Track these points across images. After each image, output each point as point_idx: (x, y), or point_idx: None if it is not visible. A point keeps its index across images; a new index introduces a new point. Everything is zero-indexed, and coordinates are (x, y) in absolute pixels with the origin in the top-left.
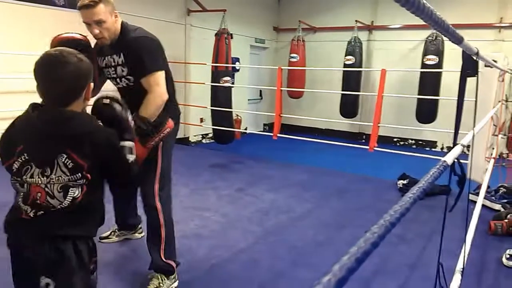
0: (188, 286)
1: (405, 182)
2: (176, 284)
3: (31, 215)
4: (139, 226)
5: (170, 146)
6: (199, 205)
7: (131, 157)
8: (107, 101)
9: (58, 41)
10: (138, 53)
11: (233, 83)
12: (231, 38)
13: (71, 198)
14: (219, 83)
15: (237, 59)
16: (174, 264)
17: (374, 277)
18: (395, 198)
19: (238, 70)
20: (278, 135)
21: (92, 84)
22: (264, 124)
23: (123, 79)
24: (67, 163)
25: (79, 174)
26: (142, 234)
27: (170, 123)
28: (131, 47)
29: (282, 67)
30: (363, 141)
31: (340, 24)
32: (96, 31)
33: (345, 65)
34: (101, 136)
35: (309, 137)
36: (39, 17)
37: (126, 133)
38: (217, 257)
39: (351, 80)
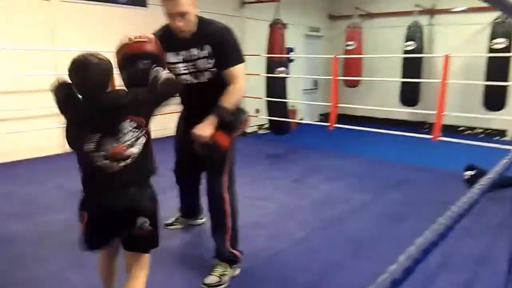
0: (247, 275)
1: (472, 173)
2: (238, 271)
3: (117, 168)
4: (201, 213)
5: (236, 139)
6: (256, 195)
7: (164, 74)
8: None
9: (128, 55)
10: (225, 45)
11: (287, 74)
12: (285, 28)
13: (141, 145)
14: (274, 73)
15: (292, 49)
16: (238, 254)
17: (439, 271)
18: (461, 190)
19: (292, 60)
20: (334, 125)
21: (114, 77)
22: (320, 114)
23: (205, 72)
24: (132, 124)
25: (141, 128)
26: (203, 220)
27: (247, 116)
28: (217, 38)
29: (338, 56)
30: (426, 130)
31: (399, 8)
32: (180, 23)
33: (405, 51)
34: (141, 94)
35: (367, 127)
36: (103, 15)
37: (152, 75)
38: (275, 246)
39: (412, 66)
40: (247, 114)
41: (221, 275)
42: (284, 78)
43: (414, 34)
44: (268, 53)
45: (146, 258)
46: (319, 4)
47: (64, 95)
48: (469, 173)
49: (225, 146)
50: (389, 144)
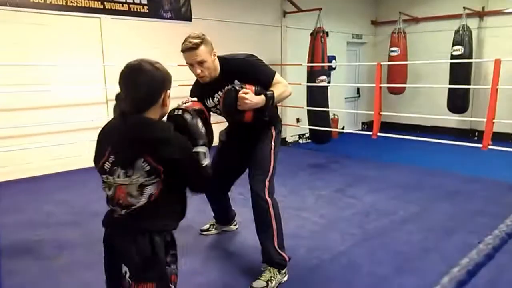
0: (288, 286)
1: None
2: (286, 278)
3: (122, 213)
4: (234, 218)
5: (279, 148)
6: (297, 205)
7: (205, 161)
8: (179, 112)
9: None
10: (253, 73)
11: (329, 82)
12: (327, 36)
13: (147, 195)
14: (315, 82)
15: (334, 57)
16: (286, 257)
17: None
18: None
19: (334, 69)
20: (378, 134)
21: (169, 92)
22: (363, 123)
23: None
24: (144, 166)
25: (154, 176)
26: (236, 226)
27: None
28: (244, 71)
29: (382, 63)
30: (475, 138)
31: (446, 12)
32: (199, 70)
33: (452, 56)
34: (176, 142)
35: (412, 135)
36: (149, 30)
37: (199, 139)
38: (316, 258)
39: (460, 72)
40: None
41: (268, 280)
42: (325, 87)
43: (462, 38)
44: (309, 62)
45: None
46: (362, 10)
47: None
48: None
49: (248, 118)
50: (436, 153)
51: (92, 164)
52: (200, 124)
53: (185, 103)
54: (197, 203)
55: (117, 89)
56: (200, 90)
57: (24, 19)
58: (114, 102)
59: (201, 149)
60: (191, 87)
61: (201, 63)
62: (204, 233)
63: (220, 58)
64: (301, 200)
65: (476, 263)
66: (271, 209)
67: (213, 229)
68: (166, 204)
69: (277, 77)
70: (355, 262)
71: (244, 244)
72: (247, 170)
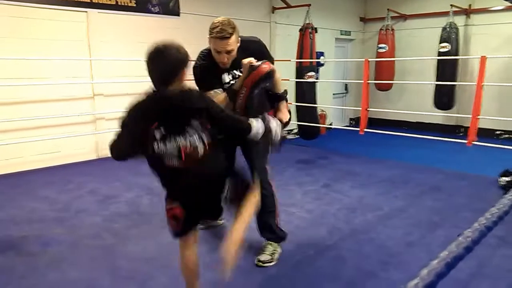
0: (275, 280)
1: (508, 179)
2: (280, 250)
3: (185, 167)
4: (222, 215)
5: None
6: (285, 200)
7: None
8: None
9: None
10: (263, 53)
11: (317, 78)
12: (316, 32)
13: (203, 144)
14: (304, 78)
15: (322, 53)
16: (285, 231)
17: (471, 281)
18: (497, 197)
19: (323, 65)
20: (365, 129)
21: (186, 71)
22: (350, 119)
23: None
24: (197, 125)
25: (207, 130)
26: (222, 222)
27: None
28: (258, 52)
29: (370, 59)
30: (461, 134)
31: (433, 9)
32: (225, 59)
33: (440, 53)
34: (211, 104)
35: (399, 131)
36: (137, 25)
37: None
38: (303, 253)
39: (446, 69)
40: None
41: (272, 253)
42: (313, 82)
43: (449, 35)
44: (298, 58)
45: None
46: (351, 7)
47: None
48: (505, 179)
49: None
50: (422, 149)
51: (74, 160)
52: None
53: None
54: None
55: (103, 84)
56: (216, 67)
57: (9, 12)
58: (101, 97)
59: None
60: (194, 72)
61: (229, 52)
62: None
63: None
64: (289, 196)
65: (455, 255)
66: (274, 189)
67: (200, 224)
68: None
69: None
70: (342, 257)
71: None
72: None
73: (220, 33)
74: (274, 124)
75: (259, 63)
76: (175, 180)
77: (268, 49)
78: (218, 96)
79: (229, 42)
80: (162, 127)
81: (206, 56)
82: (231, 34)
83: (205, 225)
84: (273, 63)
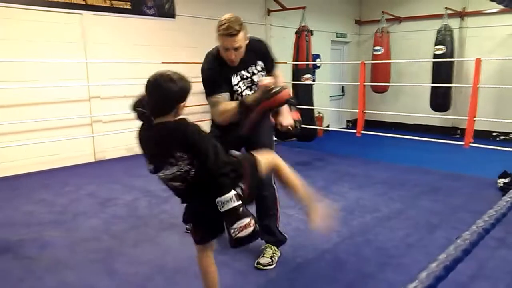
0: (274, 283)
1: (506, 180)
2: (279, 253)
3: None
4: None
5: None
6: (282, 203)
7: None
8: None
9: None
10: (270, 55)
11: (314, 80)
12: (311, 34)
13: (191, 177)
14: (300, 81)
15: (318, 56)
16: (286, 235)
17: (471, 282)
18: (494, 198)
19: (319, 67)
20: (362, 131)
21: (183, 104)
22: (347, 121)
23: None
24: (179, 158)
25: (190, 161)
26: None
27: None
28: (264, 52)
29: (366, 62)
30: (457, 136)
31: (428, 12)
32: (233, 56)
33: (435, 56)
34: (192, 131)
35: (396, 133)
36: (132, 27)
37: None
38: (302, 256)
39: (442, 71)
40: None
41: (272, 256)
42: (310, 85)
43: (444, 37)
44: (294, 60)
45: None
46: (346, 10)
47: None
48: (503, 180)
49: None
50: (419, 151)
51: (72, 163)
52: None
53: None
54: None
55: (99, 86)
56: (225, 68)
57: (3, 14)
58: (97, 100)
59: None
60: (203, 75)
61: (237, 49)
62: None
63: None
64: (287, 198)
65: (453, 258)
66: (276, 193)
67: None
68: (204, 182)
69: (278, 68)
70: (340, 259)
71: None
72: None
73: (227, 30)
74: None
75: (279, 88)
76: (184, 203)
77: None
78: (228, 104)
79: (236, 39)
80: (150, 158)
81: (213, 57)
82: (238, 31)
83: None
84: (274, 66)
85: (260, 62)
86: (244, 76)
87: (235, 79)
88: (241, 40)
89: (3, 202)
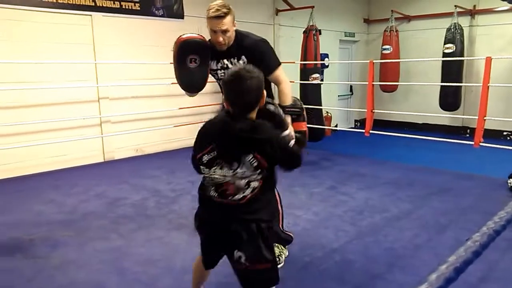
0: (282, 283)
1: None
2: (287, 253)
3: (219, 200)
4: None
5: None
6: (290, 202)
7: (291, 143)
8: (271, 107)
9: (181, 42)
10: (261, 55)
11: (322, 80)
12: (320, 34)
13: (252, 189)
14: (308, 80)
15: (326, 55)
16: (291, 234)
17: (481, 284)
18: (505, 199)
19: (327, 66)
20: (371, 131)
21: (265, 92)
22: (356, 121)
23: None
24: (252, 162)
25: (260, 170)
26: None
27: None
28: (253, 50)
29: (374, 61)
30: (467, 135)
31: (437, 10)
32: (220, 39)
33: (444, 54)
34: (278, 141)
35: (405, 133)
36: (142, 28)
37: (283, 126)
38: (310, 255)
39: (452, 70)
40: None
41: (278, 255)
42: (318, 84)
43: (453, 36)
44: (302, 60)
45: None
46: (354, 9)
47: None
48: None
49: (306, 131)
50: (429, 151)
51: (81, 163)
52: (280, 110)
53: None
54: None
55: (108, 87)
56: (210, 52)
57: (14, 16)
58: (106, 100)
59: (286, 133)
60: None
61: (224, 32)
62: None
63: (236, 32)
64: (294, 198)
65: (464, 260)
66: (277, 195)
67: None
68: (264, 198)
69: (280, 71)
70: (348, 259)
71: None
72: None
73: (215, 12)
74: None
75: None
76: (204, 209)
77: (267, 44)
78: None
79: (223, 21)
80: (216, 150)
81: (207, 40)
82: (226, 13)
83: None
84: (272, 68)
85: (243, 58)
86: (225, 66)
87: (214, 65)
88: (228, 23)
89: (14, 202)
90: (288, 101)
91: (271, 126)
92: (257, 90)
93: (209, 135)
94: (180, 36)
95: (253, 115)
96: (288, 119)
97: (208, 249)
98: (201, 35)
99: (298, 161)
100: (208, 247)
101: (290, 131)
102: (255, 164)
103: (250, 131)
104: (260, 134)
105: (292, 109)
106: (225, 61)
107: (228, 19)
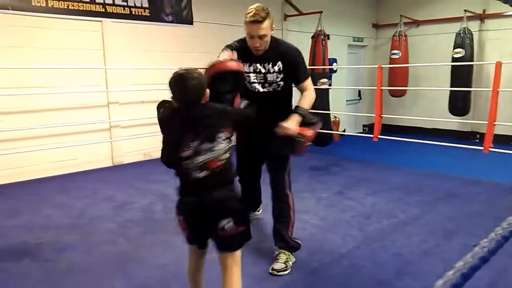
0: None
1: None
2: (294, 259)
3: (201, 176)
4: (259, 207)
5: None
6: (298, 207)
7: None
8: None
9: (215, 73)
10: (295, 64)
11: (330, 85)
12: (328, 39)
13: (227, 155)
14: (317, 85)
15: (334, 60)
16: (299, 241)
17: None
18: None
19: (335, 71)
20: (379, 136)
21: (208, 91)
22: (364, 125)
23: (273, 84)
24: (223, 136)
25: (229, 139)
26: (260, 212)
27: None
28: (290, 59)
29: (383, 65)
30: (477, 141)
31: (447, 15)
32: (257, 44)
33: (454, 59)
34: (229, 110)
35: (413, 138)
36: (151, 34)
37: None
38: (317, 260)
39: (461, 74)
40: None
41: (286, 261)
42: (326, 89)
43: (463, 40)
44: (310, 65)
45: (238, 253)
46: (363, 14)
47: (163, 113)
48: None
49: (310, 138)
50: (438, 156)
51: (90, 167)
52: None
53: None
54: None
55: (118, 92)
56: (243, 54)
57: (26, 23)
58: (116, 105)
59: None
60: (234, 47)
61: (262, 36)
62: None
63: (272, 38)
64: (302, 203)
65: (471, 266)
66: (290, 202)
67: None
68: (230, 159)
69: (309, 81)
70: (356, 265)
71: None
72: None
73: (253, 16)
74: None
75: (300, 138)
76: (185, 193)
77: (301, 54)
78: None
79: (261, 26)
80: (194, 140)
81: (241, 41)
82: (264, 18)
83: None
84: (303, 79)
85: (279, 64)
86: (258, 70)
87: (246, 67)
88: (266, 28)
89: (23, 206)
90: (304, 104)
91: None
92: (197, 89)
93: (180, 130)
94: (215, 63)
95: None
96: (296, 118)
97: (193, 227)
98: (235, 60)
99: (247, 117)
100: (192, 224)
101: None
102: (227, 135)
103: (204, 114)
104: (221, 111)
105: (303, 113)
106: (258, 65)
107: (266, 24)
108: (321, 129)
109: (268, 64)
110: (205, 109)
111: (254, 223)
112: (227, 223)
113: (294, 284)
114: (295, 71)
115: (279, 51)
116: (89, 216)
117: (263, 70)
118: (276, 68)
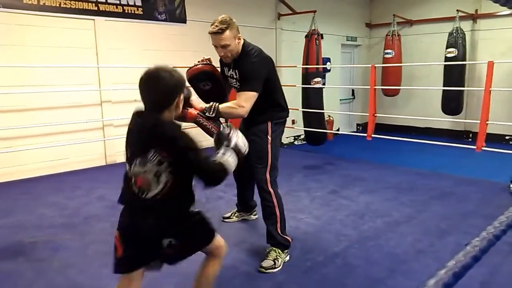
0: (283, 287)
1: None
2: (288, 257)
3: (140, 196)
4: (255, 209)
5: (276, 144)
6: (292, 206)
7: (221, 159)
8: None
9: (191, 74)
10: (247, 73)
11: (324, 84)
12: (322, 38)
13: (163, 184)
14: (310, 84)
15: (328, 59)
16: (289, 238)
17: None
18: (507, 203)
19: (329, 71)
20: (373, 135)
21: (182, 97)
22: (357, 124)
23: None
24: (156, 157)
25: (165, 165)
26: (256, 216)
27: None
28: (241, 67)
29: (376, 65)
30: (469, 140)
31: (439, 15)
32: (222, 53)
33: (446, 59)
34: (182, 141)
35: (406, 137)
36: (144, 32)
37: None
38: (311, 259)
39: (454, 74)
40: (229, 131)
41: (275, 259)
42: (320, 88)
43: (455, 40)
44: (304, 64)
45: (212, 245)
46: (356, 13)
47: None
48: None
49: (192, 115)
50: (431, 155)
51: (83, 166)
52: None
53: (200, 62)
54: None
55: (111, 91)
56: (222, 62)
57: (17, 21)
58: (109, 104)
59: (223, 150)
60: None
61: (224, 46)
62: (226, 220)
63: (245, 45)
64: (296, 202)
65: (463, 265)
66: (273, 198)
67: (234, 217)
68: (178, 197)
69: (246, 96)
70: (350, 264)
71: (258, 230)
72: None
73: (213, 29)
74: (238, 141)
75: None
76: (125, 209)
77: (257, 68)
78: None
79: (222, 37)
80: (130, 149)
81: None
82: (224, 30)
83: (238, 218)
84: (250, 88)
85: (237, 72)
86: (232, 75)
87: (226, 72)
88: (227, 39)
89: (16, 205)
90: (222, 106)
91: (177, 127)
92: (165, 91)
93: (128, 133)
94: (189, 69)
95: (168, 115)
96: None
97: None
98: (208, 62)
99: (209, 177)
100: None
101: (227, 150)
102: (158, 158)
103: (153, 127)
104: (163, 131)
105: (207, 107)
106: (231, 70)
107: (227, 34)
108: (315, 128)
109: (234, 72)
110: (162, 124)
111: (248, 223)
112: (170, 242)
113: (287, 283)
114: (241, 80)
115: (241, 61)
116: (83, 215)
117: (235, 76)
118: (237, 75)
